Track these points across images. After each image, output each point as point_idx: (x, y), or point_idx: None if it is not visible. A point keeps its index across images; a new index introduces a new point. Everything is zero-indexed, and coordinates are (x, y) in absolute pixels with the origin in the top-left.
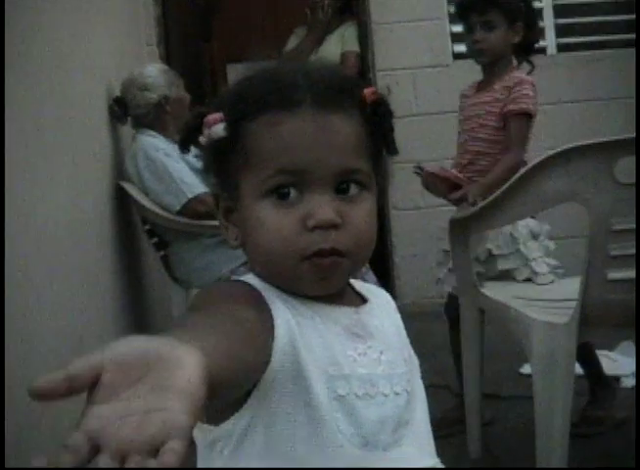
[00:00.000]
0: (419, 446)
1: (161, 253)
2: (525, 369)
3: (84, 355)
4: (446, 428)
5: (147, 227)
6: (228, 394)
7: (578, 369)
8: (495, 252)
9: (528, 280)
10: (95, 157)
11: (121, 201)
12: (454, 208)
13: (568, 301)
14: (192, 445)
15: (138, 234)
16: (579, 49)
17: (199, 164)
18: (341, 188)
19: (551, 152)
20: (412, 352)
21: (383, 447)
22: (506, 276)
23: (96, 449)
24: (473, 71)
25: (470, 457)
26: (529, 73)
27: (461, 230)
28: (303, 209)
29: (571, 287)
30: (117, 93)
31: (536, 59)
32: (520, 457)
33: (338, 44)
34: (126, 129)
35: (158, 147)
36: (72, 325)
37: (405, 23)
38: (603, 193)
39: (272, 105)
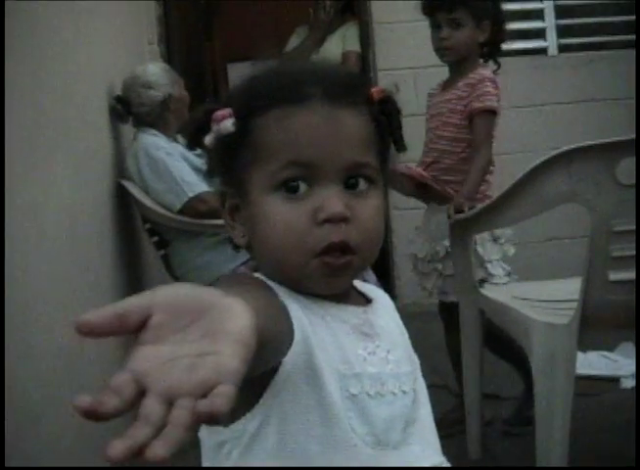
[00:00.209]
0: (426, 444)
1: (162, 252)
2: None
3: (134, 296)
4: (446, 428)
5: (147, 226)
6: (258, 363)
7: (579, 370)
8: None
9: (483, 281)
10: (96, 155)
11: (122, 199)
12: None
13: (568, 301)
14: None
15: (138, 233)
16: (580, 50)
17: (200, 163)
18: (350, 183)
19: (552, 153)
20: (412, 351)
21: (393, 446)
22: None
23: (142, 392)
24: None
25: (470, 457)
26: (495, 72)
27: (461, 232)
28: (313, 202)
29: (572, 287)
30: (119, 92)
31: (537, 59)
32: (520, 457)
33: (339, 44)
34: (127, 128)
35: (159, 146)
36: (73, 324)
37: (406, 23)
38: (604, 194)
39: (282, 99)
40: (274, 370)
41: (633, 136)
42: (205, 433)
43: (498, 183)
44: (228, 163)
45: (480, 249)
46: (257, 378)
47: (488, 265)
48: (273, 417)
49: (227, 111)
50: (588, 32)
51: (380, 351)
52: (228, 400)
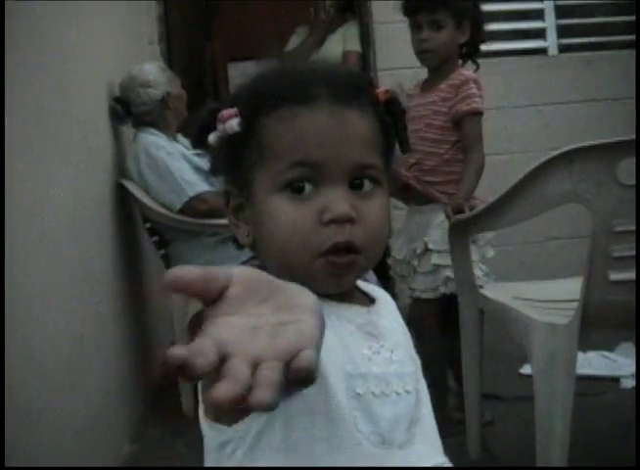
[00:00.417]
0: (429, 444)
1: (162, 251)
2: (526, 370)
3: (215, 267)
4: (446, 428)
5: (148, 225)
6: None
7: (579, 370)
8: (431, 246)
9: None
10: (96, 155)
11: (122, 199)
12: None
13: (568, 301)
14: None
15: (139, 232)
16: (581, 50)
17: (201, 163)
18: (355, 183)
19: (553, 153)
20: (414, 351)
21: (398, 445)
22: (437, 271)
23: (222, 359)
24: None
25: (470, 458)
26: (475, 73)
27: (461, 232)
28: (319, 203)
29: (573, 288)
30: (118, 92)
31: (538, 59)
32: (520, 458)
33: (339, 44)
34: (127, 127)
35: (159, 145)
36: (73, 324)
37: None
38: (605, 194)
39: (288, 99)
40: None
41: (634, 136)
42: (208, 432)
43: (498, 184)
44: (233, 162)
45: None
46: None
47: None
48: (278, 417)
49: (233, 110)
50: (589, 32)
51: (384, 350)
52: (311, 365)
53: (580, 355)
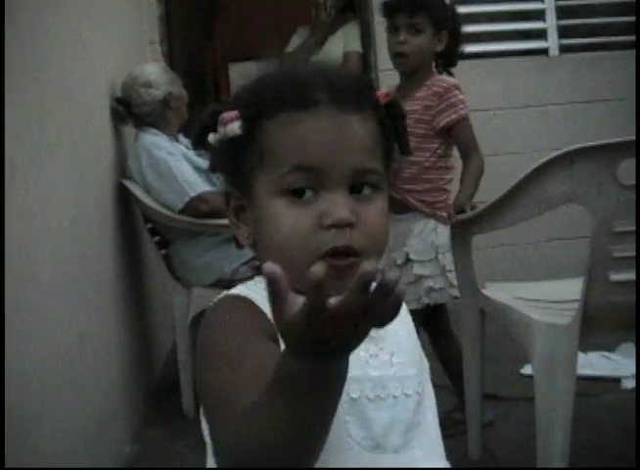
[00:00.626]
0: (429, 449)
1: (163, 251)
2: (526, 370)
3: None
4: (447, 429)
5: (149, 226)
6: None
7: (579, 370)
8: (412, 257)
9: (442, 289)
10: (97, 155)
11: (123, 199)
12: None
13: (569, 302)
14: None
15: (140, 232)
16: (581, 50)
17: (202, 163)
18: (355, 188)
19: (553, 153)
20: (423, 354)
21: (393, 450)
22: (419, 282)
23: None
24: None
25: (470, 458)
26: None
27: (462, 232)
28: (319, 207)
29: (573, 288)
30: (120, 92)
31: (539, 60)
32: (520, 458)
33: (340, 44)
34: (129, 127)
35: (160, 145)
36: (74, 324)
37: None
38: (605, 195)
39: (289, 104)
40: None
41: (634, 137)
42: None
43: (498, 184)
44: (233, 164)
45: (441, 257)
46: None
47: (449, 275)
48: None
49: (234, 113)
50: (589, 33)
51: (383, 353)
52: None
53: (581, 356)
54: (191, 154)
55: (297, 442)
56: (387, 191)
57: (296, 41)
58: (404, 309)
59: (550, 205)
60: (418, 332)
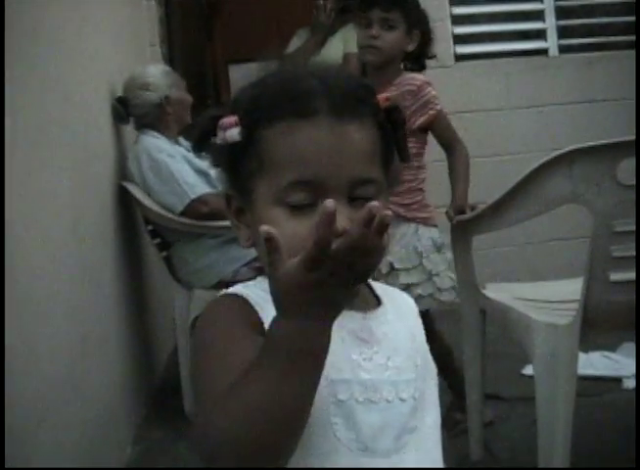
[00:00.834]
0: (424, 454)
1: (164, 253)
2: (527, 370)
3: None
4: (447, 429)
5: (149, 228)
6: None
7: (580, 370)
8: (397, 266)
9: (431, 295)
10: (98, 157)
11: (124, 201)
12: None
13: (569, 302)
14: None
15: (140, 235)
16: (581, 51)
17: (202, 165)
18: (354, 196)
19: (553, 154)
20: (429, 358)
21: (383, 454)
22: (407, 291)
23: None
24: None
25: (471, 458)
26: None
27: (462, 233)
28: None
29: (573, 288)
30: (120, 93)
31: (538, 60)
32: (521, 458)
33: (339, 46)
34: (129, 129)
35: (161, 148)
36: (75, 325)
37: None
38: (605, 195)
39: (288, 112)
40: None
41: (634, 137)
42: None
43: (498, 184)
44: (233, 168)
45: (425, 262)
46: None
47: (436, 279)
48: None
49: (233, 119)
50: (589, 33)
51: (378, 357)
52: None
53: (582, 356)
54: (191, 156)
55: (285, 410)
56: (386, 197)
57: (295, 43)
58: (414, 312)
59: (550, 205)
60: None
